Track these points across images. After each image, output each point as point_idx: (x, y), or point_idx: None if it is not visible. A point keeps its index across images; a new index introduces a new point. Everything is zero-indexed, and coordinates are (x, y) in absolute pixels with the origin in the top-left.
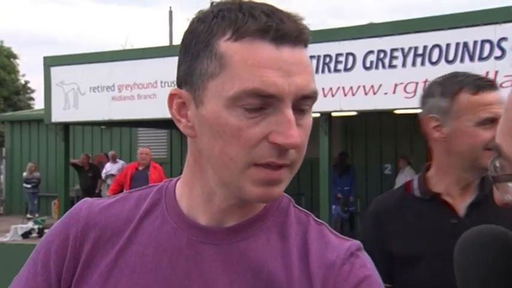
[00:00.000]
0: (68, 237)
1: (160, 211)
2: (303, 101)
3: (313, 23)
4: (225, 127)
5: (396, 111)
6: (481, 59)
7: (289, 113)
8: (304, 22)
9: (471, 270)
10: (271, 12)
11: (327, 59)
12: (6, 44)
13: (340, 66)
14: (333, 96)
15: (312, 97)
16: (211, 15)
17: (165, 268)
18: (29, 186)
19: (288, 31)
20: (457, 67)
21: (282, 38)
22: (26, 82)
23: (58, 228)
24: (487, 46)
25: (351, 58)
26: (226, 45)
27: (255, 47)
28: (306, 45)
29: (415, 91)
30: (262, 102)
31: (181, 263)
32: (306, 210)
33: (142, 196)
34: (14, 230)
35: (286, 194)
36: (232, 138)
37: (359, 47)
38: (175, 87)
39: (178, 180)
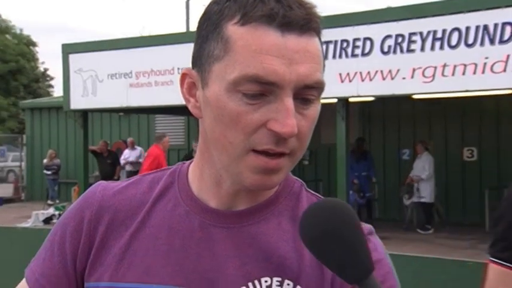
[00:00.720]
0: (83, 219)
1: (172, 194)
2: (306, 90)
3: (328, 8)
4: (224, 111)
5: (414, 96)
6: (501, 42)
7: (289, 101)
8: (316, 10)
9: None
10: None
11: (344, 44)
12: (25, 32)
13: (358, 51)
14: (350, 81)
15: (316, 87)
16: None
17: (178, 250)
18: (49, 172)
19: (294, 18)
20: (477, 50)
21: (288, 25)
22: (45, 70)
23: (73, 210)
24: (508, 29)
25: (368, 43)
26: (233, 29)
27: (259, 33)
28: (317, 34)
29: (433, 75)
30: (262, 88)
31: (193, 245)
32: (318, 194)
33: (156, 179)
34: (36, 216)
35: (298, 178)
36: (231, 123)
37: (376, 31)
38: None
39: (191, 163)
